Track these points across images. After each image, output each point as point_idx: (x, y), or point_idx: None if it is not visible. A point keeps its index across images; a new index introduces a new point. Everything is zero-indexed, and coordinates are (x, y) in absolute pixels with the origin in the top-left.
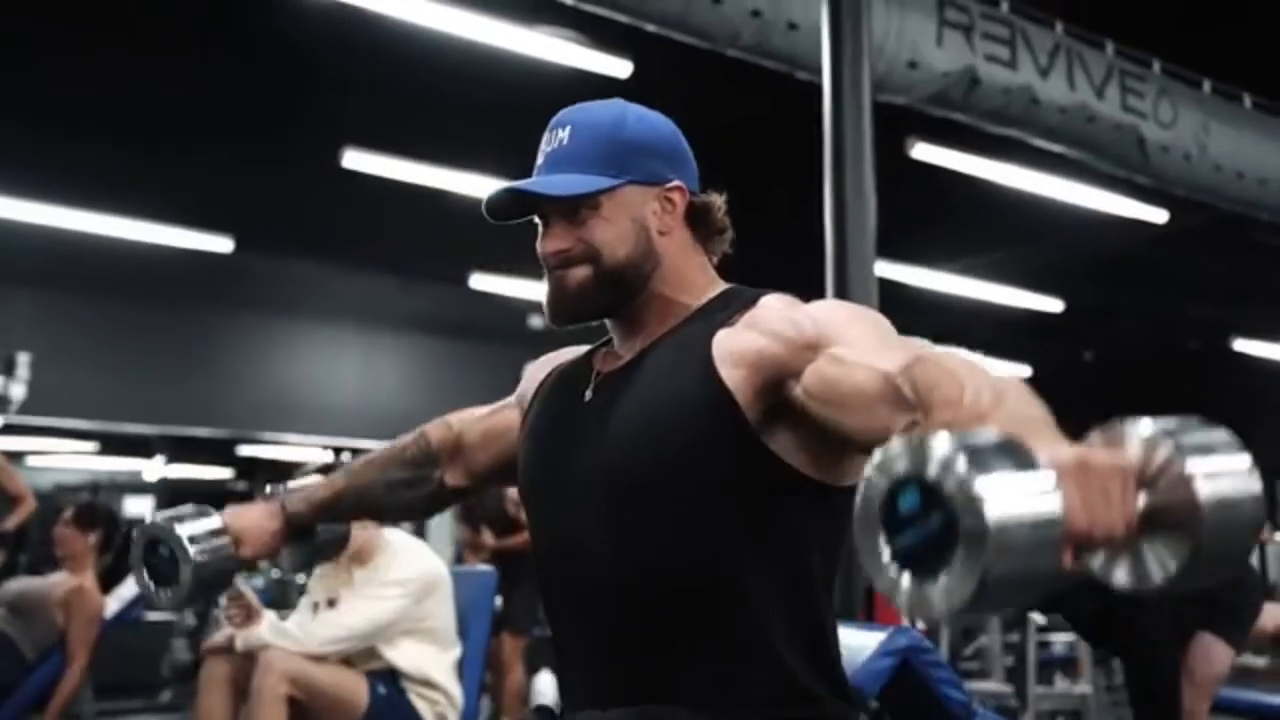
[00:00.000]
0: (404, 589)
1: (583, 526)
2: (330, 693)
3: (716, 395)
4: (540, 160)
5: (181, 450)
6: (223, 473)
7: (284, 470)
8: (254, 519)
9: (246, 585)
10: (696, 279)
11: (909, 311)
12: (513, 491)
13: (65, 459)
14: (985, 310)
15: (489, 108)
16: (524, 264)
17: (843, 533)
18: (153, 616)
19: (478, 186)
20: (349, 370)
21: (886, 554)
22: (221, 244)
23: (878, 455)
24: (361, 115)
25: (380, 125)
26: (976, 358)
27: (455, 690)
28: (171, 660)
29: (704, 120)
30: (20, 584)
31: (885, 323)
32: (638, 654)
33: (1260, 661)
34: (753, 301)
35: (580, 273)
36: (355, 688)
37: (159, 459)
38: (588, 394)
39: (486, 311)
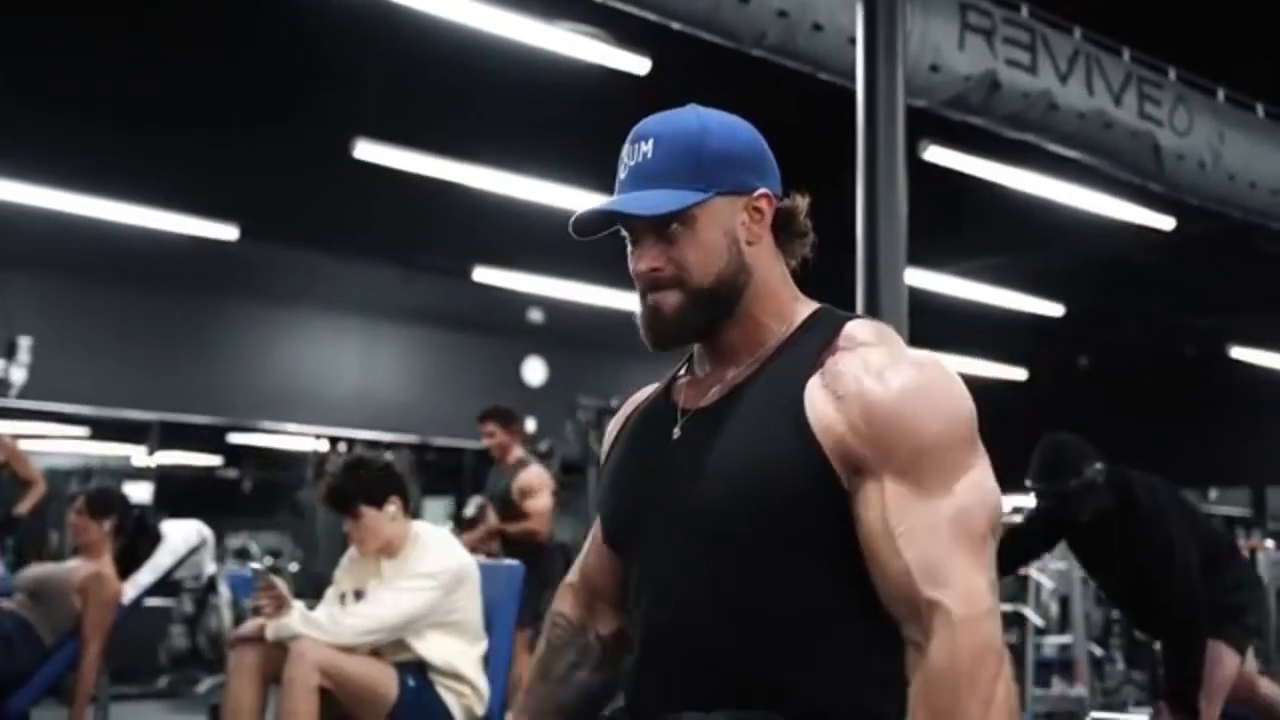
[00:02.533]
0: (434, 581)
1: (674, 563)
2: (361, 683)
3: (809, 451)
4: (623, 174)
5: (172, 437)
6: (213, 460)
7: (274, 459)
8: None
9: (274, 575)
10: (782, 295)
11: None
12: (521, 480)
13: (60, 444)
14: (985, 313)
15: (505, 102)
16: (527, 258)
17: None
18: (150, 602)
19: (489, 180)
20: (350, 361)
21: None
22: (227, 232)
23: None
24: (376, 107)
25: (395, 117)
26: (989, 690)
27: (482, 683)
28: (169, 647)
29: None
30: (39, 569)
31: (959, 432)
32: (727, 688)
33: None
34: (837, 332)
35: (674, 298)
36: (385, 679)
37: (149, 445)
38: (675, 431)
39: (487, 305)
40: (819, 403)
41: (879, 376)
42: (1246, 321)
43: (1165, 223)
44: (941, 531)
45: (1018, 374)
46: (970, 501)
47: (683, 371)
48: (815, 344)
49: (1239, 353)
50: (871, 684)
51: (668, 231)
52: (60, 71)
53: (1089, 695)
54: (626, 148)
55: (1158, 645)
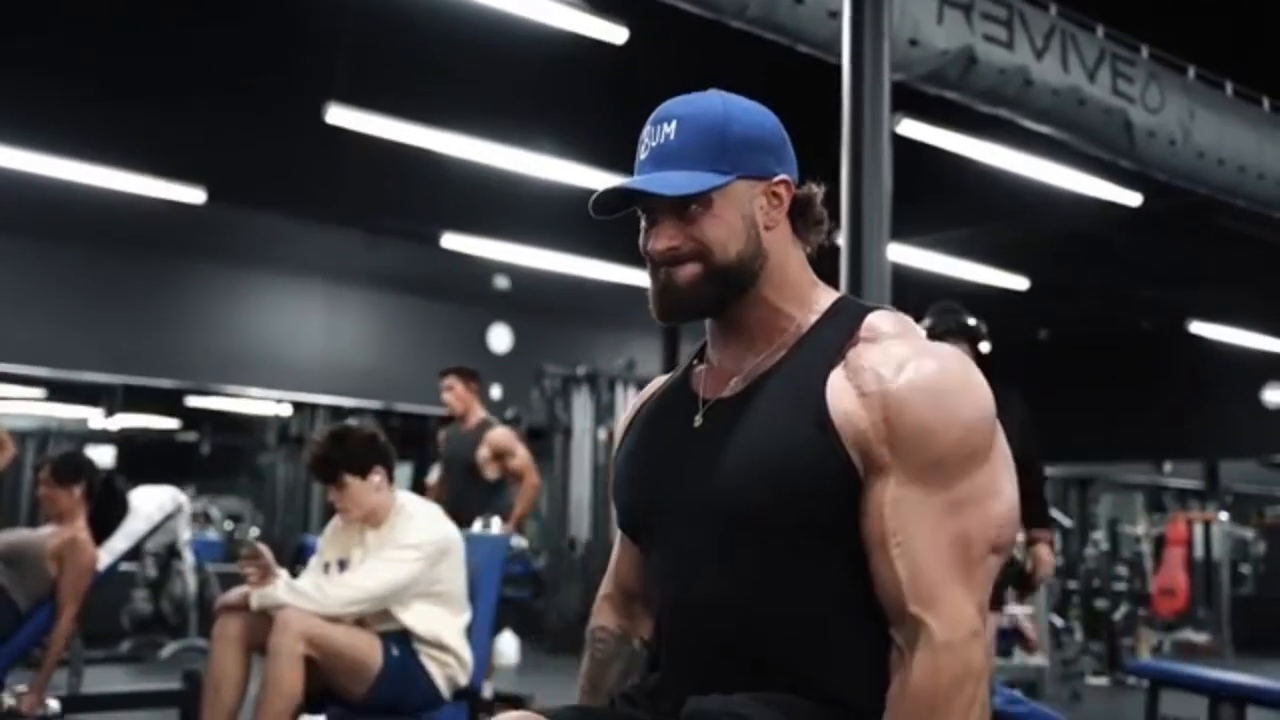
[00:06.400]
0: (420, 552)
1: (696, 551)
2: (346, 653)
3: (830, 444)
4: (644, 154)
5: (133, 400)
6: (174, 424)
7: (236, 423)
8: None
9: (261, 544)
10: (800, 280)
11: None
12: (492, 443)
13: (17, 406)
14: (951, 286)
15: (480, 68)
16: (494, 224)
17: None
18: None
19: (462, 147)
20: (315, 325)
21: None
22: (194, 195)
23: None
24: (349, 71)
25: (368, 82)
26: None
27: (465, 653)
28: (132, 611)
29: (697, 90)
30: (13, 535)
31: (971, 425)
32: (748, 673)
33: (1201, 638)
34: (859, 322)
35: (691, 269)
36: (370, 649)
37: (108, 408)
38: (697, 419)
39: (452, 270)
40: (842, 397)
41: (900, 370)
42: (1205, 297)
43: (1132, 198)
44: (938, 550)
45: (979, 346)
46: (973, 522)
47: (698, 361)
48: (837, 335)
49: (1197, 327)
50: (886, 670)
51: (687, 212)
52: (26, 32)
53: (1048, 665)
54: (648, 128)
55: (1116, 615)
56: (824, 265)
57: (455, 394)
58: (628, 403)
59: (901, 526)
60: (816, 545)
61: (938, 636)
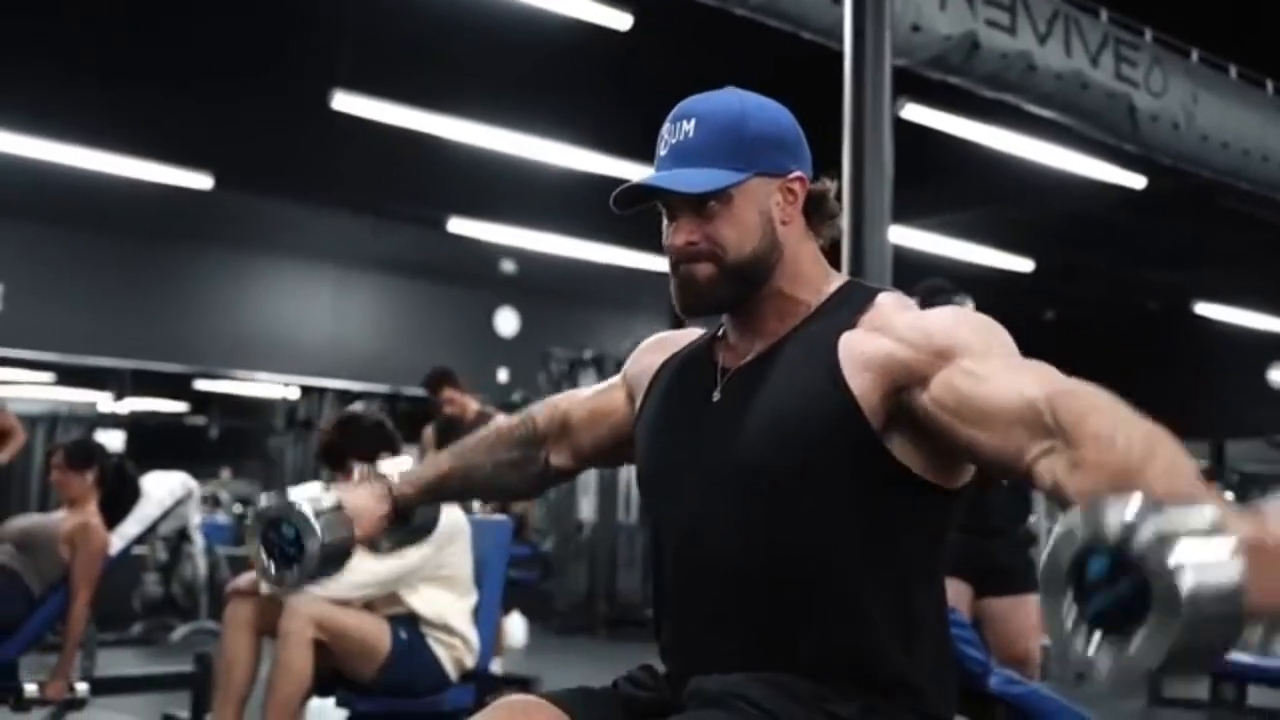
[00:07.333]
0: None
1: (711, 517)
2: (355, 636)
3: (843, 401)
4: (664, 151)
5: (144, 385)
6: (183, 408)
7: (245, 407)
8: (365, 501)
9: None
10: (813, 272)
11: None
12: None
13: (29, 390)
14: (956, 268)
15: (484, 54)
16: (500, 209)
17: (947, 534)
18: None
19: (467, 132)
20: (322, 310)
21: (1074, 615)
22: (201, 181)
23: (1062, 522)
24: (354, 58)
25: (373, 68)
26: (1114, 398)
27: (472, 636)
28: (143, 594)
29: (702, 78)
30: (26, 520)
31: (1009, 339)
32: (755, 632)
33: None
34: (870, 300)
35: (708, 268)
36: (378, 632)
37: (117, 393)
38: (715, 393)
39: (459, 255)
40: (854, 345)
41: (920, 315)
42: (1210, 278)
43: (1137, 181)
44: (1035, 366)
45: None
46: (1032, 363)
47: (721, 331)
48: (849, 309)
49: (1202, 308)
50: (885, 621)
51: (705, 209)
52: (34, 19)
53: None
54: (668, 125)
55: None
56: (827, 250)
57: (456, 405)
58: None
59: (991, 368)
60: (823, 499)
61: (1082, 385)
